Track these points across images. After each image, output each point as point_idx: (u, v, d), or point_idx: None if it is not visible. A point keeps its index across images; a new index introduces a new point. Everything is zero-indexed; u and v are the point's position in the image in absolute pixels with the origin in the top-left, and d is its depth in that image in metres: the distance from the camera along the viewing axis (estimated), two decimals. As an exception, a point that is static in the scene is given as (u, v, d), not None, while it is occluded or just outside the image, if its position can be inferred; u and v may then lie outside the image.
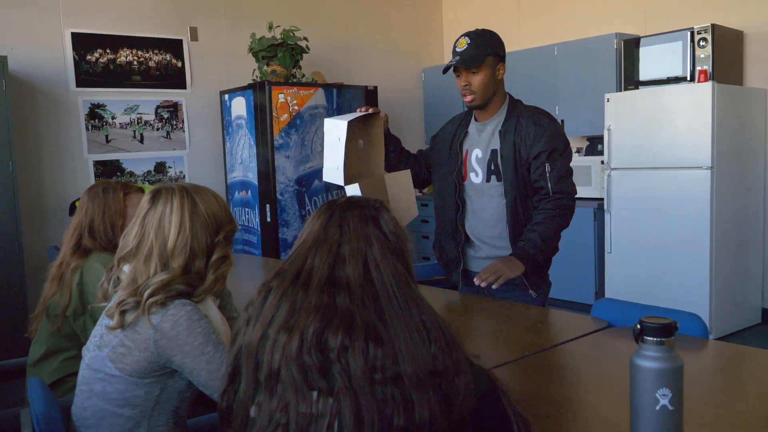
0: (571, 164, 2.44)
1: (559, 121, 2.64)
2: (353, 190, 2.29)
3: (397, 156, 2.64)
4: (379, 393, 1.02)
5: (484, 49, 2.37)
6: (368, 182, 2.38)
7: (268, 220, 5.04)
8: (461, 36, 2.41)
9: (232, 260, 1.64)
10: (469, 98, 2.43)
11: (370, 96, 5.48)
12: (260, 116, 4.99)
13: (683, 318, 1.83)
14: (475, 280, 2.26)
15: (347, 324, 1.05)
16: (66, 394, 2.08)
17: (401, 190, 2.49)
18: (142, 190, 2.34)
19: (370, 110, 2.44)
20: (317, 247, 1.15)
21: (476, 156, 2.50)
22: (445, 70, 2.46)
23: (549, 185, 2.34)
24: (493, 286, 2.23)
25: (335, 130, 2.29)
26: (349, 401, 1.01)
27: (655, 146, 4.52)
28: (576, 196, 2.42)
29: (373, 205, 1.21)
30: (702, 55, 4.48)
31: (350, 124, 2.28)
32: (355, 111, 2.45)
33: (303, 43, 5.20)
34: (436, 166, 2.64)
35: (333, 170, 2.31)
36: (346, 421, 1.01)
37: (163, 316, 1.46)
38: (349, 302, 1.08)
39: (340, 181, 2.31)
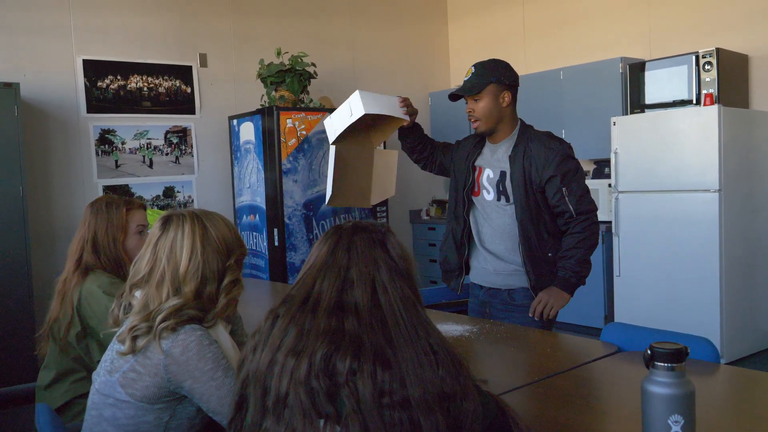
0: (580, 186, 2.47)
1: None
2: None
3: (413, 144, 2.73)
4: (387, 417, 1.02)
5: (485, 77, 2.46)
6: (358, 150, 2.58)
7: (276, 244, 5.05)
8: (471, 65, 2.51)
9: (243, 284, 1.66)
10: (474, 125, 2.53)
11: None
12: (268, 141, 5.02)
13: (694, 342, 1.82)
14: (530, 314, 2.42)
15: (356, 348, 1.06)
16: (75, 417, 2.07)
17: (386, 168, 2.64)
18: (144, 207, 2.36)
19: (401, 101, 2.56)
20: (325, 271, 1.16)
21: (488, 176, 2.57)
22: (450, 97, 2.58)
23: (571, 208, 2.41)
24: (546, 317, 2.41)
25: (355, 105, 2.45)
26: (358, 425, 1.01)
27: (663, 169, 4.51)
28: (596, 208, 2.47)
29: (380, 229, 1.22)
30: (707, 79, 4.50)
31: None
32: (395, 99, 2.59)
33: (311, 69, 5.25)
34: (453, 177, 2.71)
35: (331, 131, 2.53)
36: None
37: (173, 341, 1.46)
38: (357, 326, 1.08)
39: (331, 139, 2.53)
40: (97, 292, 2.12)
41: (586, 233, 2.41)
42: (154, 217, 1.84)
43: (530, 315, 2.43)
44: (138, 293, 1.58)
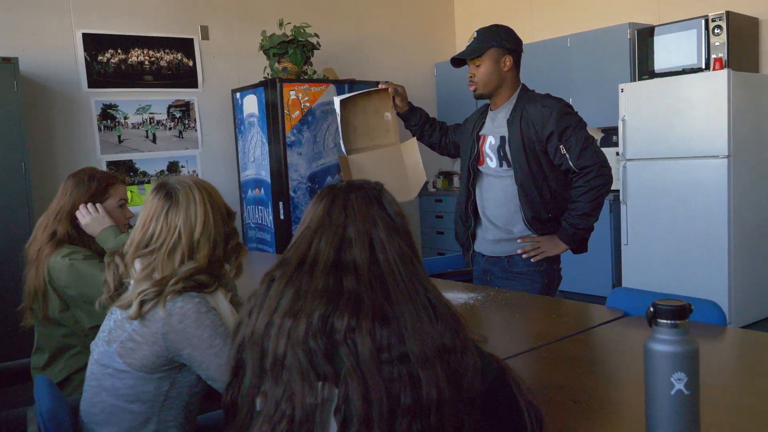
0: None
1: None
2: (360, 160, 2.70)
3: (420, 128, 2.82)
4: (386, 373, 1.02)
5: (486, 42, 2.47)
6: (384, 152, 2.73)
7: (282, 217, 5.04)
8: (474, 31, 2.53)
9: (246, 248, 1.71)
10: (472, 88, 2.54)
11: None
12: (272, 114, 4.99)
13: (700, 305, 1.80)
14: (518, 250, 2.49)
15: (354, 306, 1.05)
16: (74, 391, 2.06)
17: (413, 158, 2.76)
18: (124, 181, 2.33)
19: (381, 86, 2.72)
20: (322, 230, 1.14)
21: (490, 143, 2.57)
22: (452, 62, 2.60)
23: (571, 164, 2.39)
24: (532, 260, 2.47)
25: (337, 107, 2.68)
26: (357, 382, 1.01)
27: (671, 136, 4.45)
28: (602, 159, 2.41)
29: (375, 187, 1.20)
30: (717, 43, 4.41)
31: (354, 99, 2.68)
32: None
33: (314, 40, 5.19)
34: (461, 151, 2.75)
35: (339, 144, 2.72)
36: (353, 402, 1.00)
37: (171, 309, 1.46)
38: (356, 284, 1.08)
39: (342, 152, 2.70)
40: (61, 262, 2.08)
41: (587, 186, 2.38)
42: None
43: (518, 251, 2.49)
44: (138, 262, 1.56)
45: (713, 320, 1.83)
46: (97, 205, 2.17)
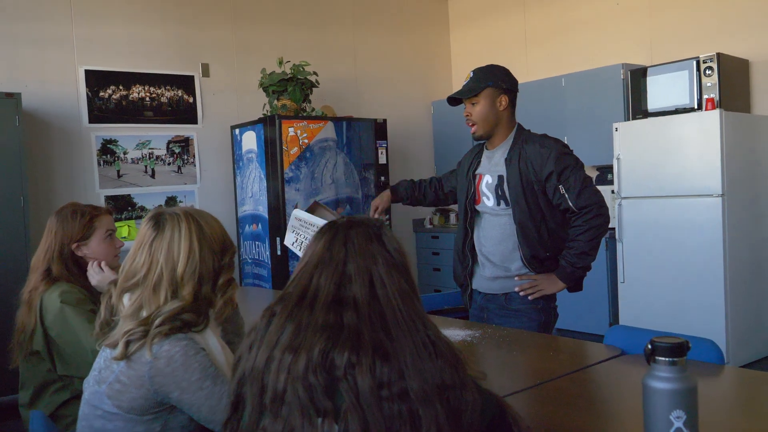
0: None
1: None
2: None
3: (411, 200, 2.92)
4: (387, 410, 1.01)
5: (482, 81, 2.50)
6: None
7: (278, 253, 5.04)
8: (471, 71, 2.57)
9: (236, 283, 1.62)
10: (472, 129, 2.57)
11: (379, 129, 5.50)
12: (270, 150, 5.03)
13: (698, 344, 1.80)
14: (516, 288, 2.50)
15: (354, 342, 1.05)
16: (66, 429, 2.03)
17: None
18: (110, 212, 2.32)
19: (376, 214, 2.79)
20: (322, 266, 1.15)
21: (487, 182, 2.59)
22: (449, 101, 2.64)
23: (571, 204, 2.41)
24: (529, 297, 2.48)
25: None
26: (357, 418, 1.00)
27: (666, 174, 4.50)
28: (601, 199, 2.45)
29: (375, 224, 1.21)
30: (708, 84, 4.49)
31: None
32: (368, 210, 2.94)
33: (313, 78, 5.26)
34: (458, 192, 2.77)
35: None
36: None
37: (158, 352, 1.41)
38: (356, 320, 1.08)
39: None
40: (54, 301, 2.08)
41: (587, 226, 2.41)
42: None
43: (516, 289, 2.50)
44: (126, 297, 1.52)
45: (711, 359, 1.83)
46: (102, 264, 2.17)
